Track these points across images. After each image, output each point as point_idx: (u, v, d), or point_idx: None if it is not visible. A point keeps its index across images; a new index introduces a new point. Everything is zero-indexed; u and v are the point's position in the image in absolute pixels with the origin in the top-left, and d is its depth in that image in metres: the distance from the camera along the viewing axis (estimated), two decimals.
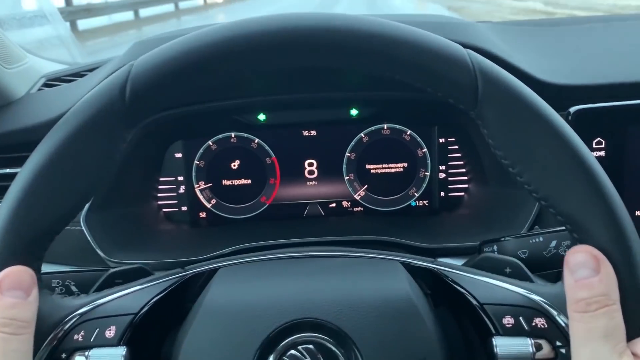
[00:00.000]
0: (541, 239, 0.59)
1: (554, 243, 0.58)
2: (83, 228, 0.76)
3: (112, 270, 0.52)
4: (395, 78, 0.39)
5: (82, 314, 0.43)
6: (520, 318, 0.42)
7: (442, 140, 0.91)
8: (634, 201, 0.69)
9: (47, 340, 0.42)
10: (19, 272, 0.39)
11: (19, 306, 0.38)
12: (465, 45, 0.40)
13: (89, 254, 0.76)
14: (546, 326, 0.41)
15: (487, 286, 0.44)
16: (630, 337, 0.37)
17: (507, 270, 0.51)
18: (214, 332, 0.42)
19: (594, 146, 0.69)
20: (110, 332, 0.42)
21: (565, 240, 0.57)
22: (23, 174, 0.39)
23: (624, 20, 0.96)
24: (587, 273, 0.36)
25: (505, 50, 0.77)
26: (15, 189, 0.39)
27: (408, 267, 0.47)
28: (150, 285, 0.46)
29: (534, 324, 0.41)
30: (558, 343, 0.41)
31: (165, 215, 0.93)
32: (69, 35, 1.25)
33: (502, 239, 0.61)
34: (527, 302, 0.42)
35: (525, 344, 0.40)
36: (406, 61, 0.38)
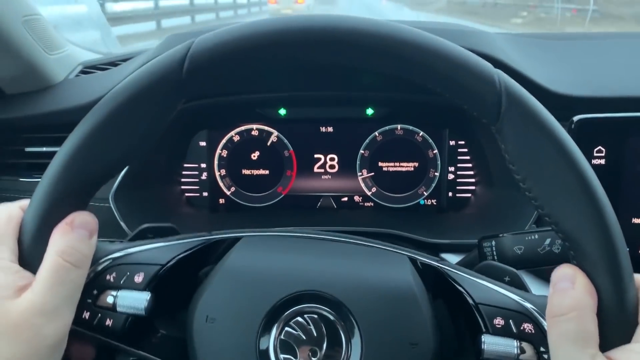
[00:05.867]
0: (536, 236, 0.61)
1: (548, 241, 0.60)
2: (111, 205, 0.82)
3: (145, 225, 0.57)
4: (428, 86, 0.42)
5: (115, 258, 0.47)
6: (510, 321, 0.44)
7: (452, 142, 0.95)
8: (629, 208, 0.72)
9: None
10: (87, 216, 0.44)
11: (83, 242, 0.43)
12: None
13: (115, 230, 0.81)
14: (533, 332, 0.44)
15: (485, 289, 0.47)
16: None
17: (506, 279, 0.53)
18: (230, 292, 0.46)
19: (595, 154, 0.72)
20: (139, 278, 0.47)
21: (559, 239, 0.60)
22: (81, 129, 0.42)
23: (632, 38, 0.98)
24: (564, 284, 0.40)
25: (515, 59, 0.80)
26: (71, 142, 0.42)
27: (415, 262, 0.50)
28: (178, 243, 0.50)
29: (522, 328, 0.44)
30: (542, 349, 0.43)
31: (186, 200, 0.98)
32: (106, 26, 1.32)
33: (500, 235, 0.64)
34: (519, 307, 0.45)
35: (511, 345, 0.43)
36: (442, 74, 0.41)
